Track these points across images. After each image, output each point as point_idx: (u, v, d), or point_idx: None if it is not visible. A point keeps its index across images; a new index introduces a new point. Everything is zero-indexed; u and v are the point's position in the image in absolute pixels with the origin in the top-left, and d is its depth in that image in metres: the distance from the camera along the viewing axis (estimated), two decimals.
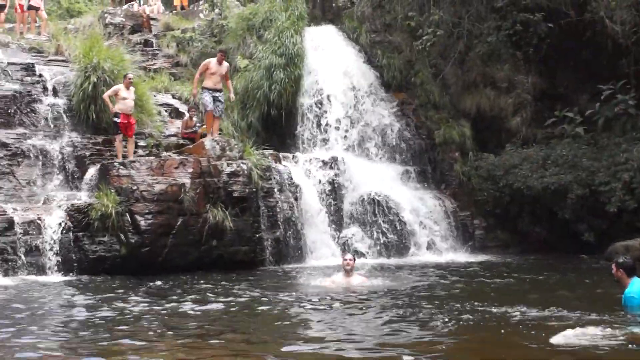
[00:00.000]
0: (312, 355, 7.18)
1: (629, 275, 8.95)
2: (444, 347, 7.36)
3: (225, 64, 18.78)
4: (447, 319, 8.79)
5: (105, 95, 17.69)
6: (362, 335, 8.26)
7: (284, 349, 7.28)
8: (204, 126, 19.12)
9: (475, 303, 10.02)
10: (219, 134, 18.67)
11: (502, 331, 8.08)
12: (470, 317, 9.00)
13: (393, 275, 14.63)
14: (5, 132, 17.72)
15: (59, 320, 9.58)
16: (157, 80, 21.69)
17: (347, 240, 18.82)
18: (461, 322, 8.66)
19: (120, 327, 8.85)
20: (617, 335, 7.41)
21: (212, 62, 18.43)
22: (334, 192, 19.27)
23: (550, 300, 10.09)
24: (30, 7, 24.34)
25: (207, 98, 18.23)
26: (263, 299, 11.44)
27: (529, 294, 11.40)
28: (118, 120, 17.48)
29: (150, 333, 8.42)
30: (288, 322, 9.25)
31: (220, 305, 10.63)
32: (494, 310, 9.48)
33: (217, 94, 18.29)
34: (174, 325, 8.94)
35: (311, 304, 10.73)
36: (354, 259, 12.68)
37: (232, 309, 10.43)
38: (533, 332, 7.81)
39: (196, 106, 20.32)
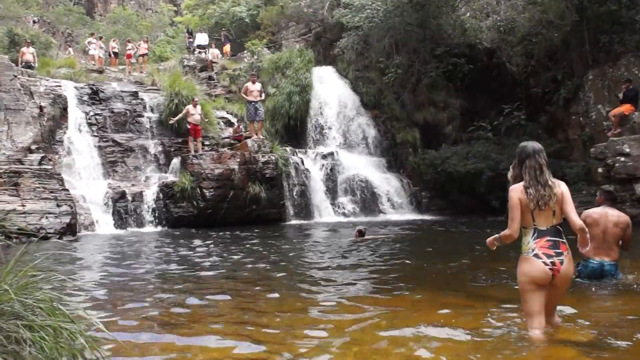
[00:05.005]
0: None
1: None
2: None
3: (258, 83, 18.78)
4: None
5: (181, 115, 17.79)
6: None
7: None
8: (247, 132, 19.19)
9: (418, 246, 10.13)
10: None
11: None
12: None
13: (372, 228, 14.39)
14: (120, 135, 17.90)
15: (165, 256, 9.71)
16: (217, 102, 21.64)
17: (340, 205, 18.81)
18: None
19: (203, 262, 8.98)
20: None
21: (249, 84, 18.56)
22: (331, 174, 19.21)
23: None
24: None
25: (250, 108, 18.27)
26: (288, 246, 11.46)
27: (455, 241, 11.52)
28: (189, 127, 17.65)
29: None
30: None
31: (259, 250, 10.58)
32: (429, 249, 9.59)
33: (257, 104, 18.28)
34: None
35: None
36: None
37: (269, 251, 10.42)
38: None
39: (242, 119, 20.37)
